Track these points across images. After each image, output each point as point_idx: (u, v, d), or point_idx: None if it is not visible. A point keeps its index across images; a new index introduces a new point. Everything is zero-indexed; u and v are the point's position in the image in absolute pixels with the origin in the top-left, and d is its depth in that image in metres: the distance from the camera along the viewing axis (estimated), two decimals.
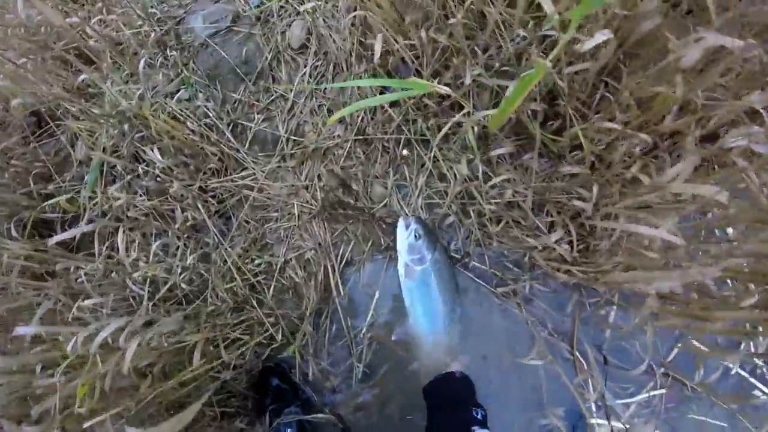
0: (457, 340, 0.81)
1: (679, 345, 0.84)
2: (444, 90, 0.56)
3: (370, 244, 0.88)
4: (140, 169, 0.92)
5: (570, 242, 0.80)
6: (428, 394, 0.74)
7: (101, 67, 0.98)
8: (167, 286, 0.85)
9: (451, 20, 0.71)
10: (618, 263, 0.70)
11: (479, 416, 0.66)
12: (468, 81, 0.73)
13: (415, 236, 0.79)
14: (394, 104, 0.88)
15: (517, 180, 0.82)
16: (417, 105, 0.86)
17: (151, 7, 1.08)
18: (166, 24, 1.06)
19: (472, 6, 0.73)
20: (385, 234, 0.88)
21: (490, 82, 0.75)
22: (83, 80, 0.95)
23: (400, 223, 0.81)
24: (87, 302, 0.76)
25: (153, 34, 1.02)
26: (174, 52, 1.02)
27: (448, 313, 0.80)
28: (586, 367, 0.82)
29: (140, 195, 0.94)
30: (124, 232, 0.85)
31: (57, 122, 1.05)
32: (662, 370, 0.83)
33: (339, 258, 0.88)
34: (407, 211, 0.87)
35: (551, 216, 0.84)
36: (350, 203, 0.88)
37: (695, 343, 0.81)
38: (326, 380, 0.86)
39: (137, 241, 0.91)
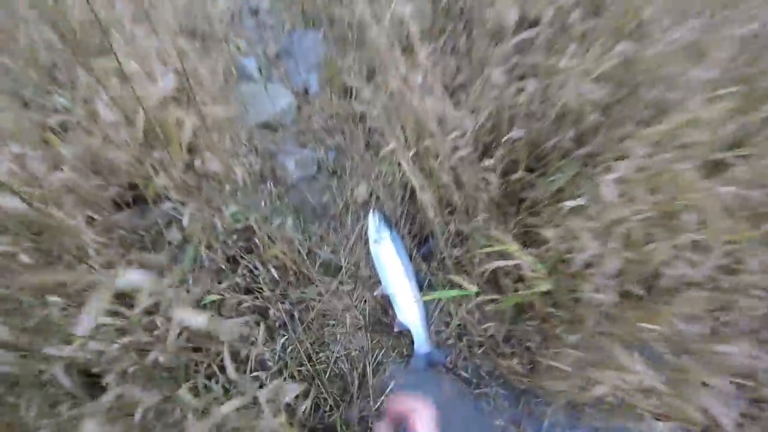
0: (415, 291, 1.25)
1: None
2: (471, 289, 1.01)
3: (395, 352, 1.30)
4: (238, 272, 1.29)
5: (523, 363, 1.27)
6: None
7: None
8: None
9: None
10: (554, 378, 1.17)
11: None
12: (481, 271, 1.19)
13: (378, 219, 1.29)
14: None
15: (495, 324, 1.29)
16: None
17: (254, 139, 1.48)
18: (264, 158, 1.46)
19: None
20: (407, 347, 1.31)
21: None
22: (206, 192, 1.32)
23: (370, 214, 1.30)
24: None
25: (258, 166, 1.42)
26: (270, 184, 1.41)
27: (405, 270, 1.25)
28: None
29: (226, 285, 1.30)
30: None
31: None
32: None
33: (374, 359, 1.29)
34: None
35: (514, 347, 1.31)
36: (386, 322, 1.30)
37: None
38: None
39: None
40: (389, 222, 1.29)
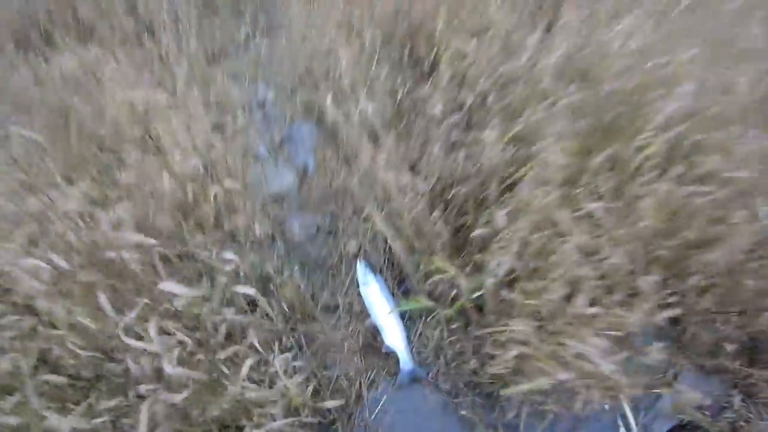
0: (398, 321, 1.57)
1: None
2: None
3: (384, 371, 1.62)
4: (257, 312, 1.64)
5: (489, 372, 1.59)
6: None
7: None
8: None
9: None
10: None
11: None
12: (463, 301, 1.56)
13: (364, 266, 1.64)
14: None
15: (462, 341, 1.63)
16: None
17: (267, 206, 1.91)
18: (275, 222, 1.87)
19: None
20: (394, 366, 1.63)
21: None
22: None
23: (358, 262, 1.67)
24: None
25: (270, 229, 1.82)
26: (279, 242, 1.81)
27: (389, 304, 1.58)
28: None
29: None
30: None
31: None
32: None
33: (368, 378, 1.61)
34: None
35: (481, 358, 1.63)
36: (376, 347, 1.64)
37: None
38: None
39: None
40: (373, 268, 1.68)
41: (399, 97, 1.90)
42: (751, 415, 1.51)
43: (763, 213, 1.34)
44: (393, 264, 1.75)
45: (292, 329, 1.66)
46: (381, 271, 1.74)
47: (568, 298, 1.31)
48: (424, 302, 1.38)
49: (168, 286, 1.18)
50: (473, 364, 1.61)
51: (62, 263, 1.24)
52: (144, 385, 1.16)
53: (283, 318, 1.63)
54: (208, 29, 3.01)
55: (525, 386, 1.35)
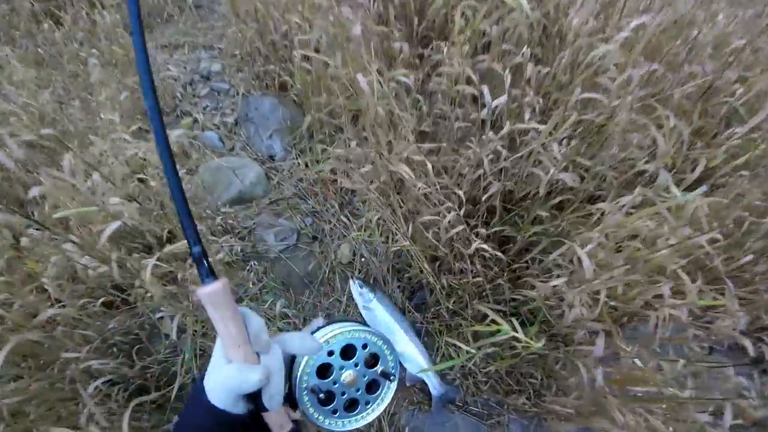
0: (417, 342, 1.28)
1: None
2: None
3: (405, 401, 1.34)
4: None
5: (529, 395, 1.33)
6: None
7: None
8: None
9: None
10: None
11: None
12: (469, 311, 1.24)
13: (359, 286, 1.32)
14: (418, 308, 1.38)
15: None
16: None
17: (228, 219, 1.50)
18: (242, 237, 1.47)
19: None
20: (417, 395, 1.35)
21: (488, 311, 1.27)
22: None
23: (350, 284, 1.34)
24: None
25: (237, 246, 1.43)
26: (254, 262, 1.43)
27: (401, 327, 1.28)
28: None
29: None
30: None
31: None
32: None
33: (387, 413, 1.32)
34: None
35: (519, 382, 1.37)
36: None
37: None
38: None
39: None
40: (371, 285, 1.33)
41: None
42: None
43: None
44: (400, 272, 1.41)
45: None
46: (384, 282, 1.40)
47: None
48: (463, 358, 1.04)
49: None
50: (510, 383, 1.35)
51: None
52: None
53: None
54: None
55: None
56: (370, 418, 0.58)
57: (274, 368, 0.44)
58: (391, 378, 0.59)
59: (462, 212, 1.05)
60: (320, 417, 0.54)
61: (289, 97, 1.88)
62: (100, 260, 1.15)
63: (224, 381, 0.42)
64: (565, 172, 1.04)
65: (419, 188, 0.97)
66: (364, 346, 0.57)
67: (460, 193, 1.05)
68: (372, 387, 0.58)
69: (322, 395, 0.52)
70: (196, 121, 1.98)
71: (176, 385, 1.22)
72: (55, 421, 1.05)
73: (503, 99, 1.11)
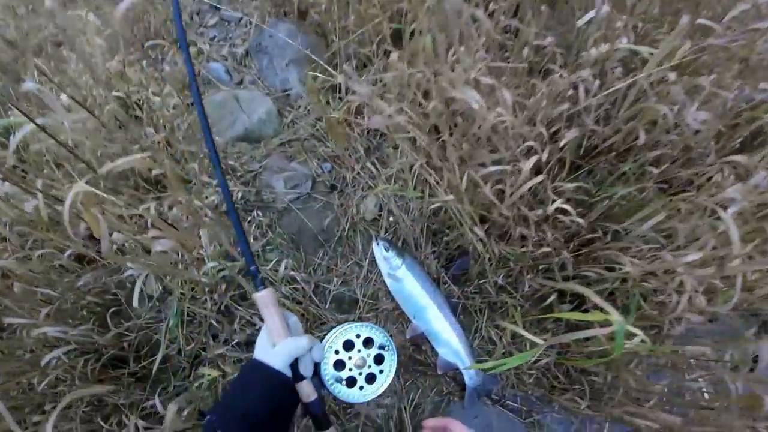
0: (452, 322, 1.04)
1: None
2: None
3: (433, 391, 1.11)
4: (235, 325, 1.07)
5: (583, 394, 1.09)
6: None
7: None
8: None
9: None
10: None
11: None
12: (526, 288, 0.99)
13: (384, 249, 1.05)
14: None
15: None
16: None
17: (230, 159, 1.25)
18: (245, 181, 1.22)
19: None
20: (447, 384, 1.11)
21: (539, 286, 1.01)
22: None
23: (373, 245, 1.07)
24: None
25: (240, 192, 1.18)
26: (258, 213, 1.18)
27: (434, 301, 1.03)
28: None
29: (223, 341, 1.08)
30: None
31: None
32: None
33: (410, 402, 1.09)
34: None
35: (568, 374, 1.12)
36: (420, 360, 1.10)
37: None
38: None
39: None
40: (399, 249, 1.06)
41: None
42: None
43: None
44: (437, 234, 1.15)
45: None
46: (417, 246, 1.14)
47: None
48: (519, 360, 0.75)
49: None
50: (560, 376, 1.11)
51: None
52: None
53: None
54: None
55: None
56: (389, 380, 0.88)
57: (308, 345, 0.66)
58: (387, 348, 0.89)
59: (545, 158, 0.77)
60: (352, 395, 0.84)
61: (310, 25, 1.58)
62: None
63: (283, 348, 0.64)
64: (693, 110, 0.74)
65: (492, 121, 0.69)
66: (358, 336, 0.89)
67: (544, 131, 0.77)
68: (378, 360, 0.89)
69: (343, 382, 0.84)
70: (201, 52, 1.70)
71: (159, 356, 1.00)
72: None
73: (604, 7, 0.81)
